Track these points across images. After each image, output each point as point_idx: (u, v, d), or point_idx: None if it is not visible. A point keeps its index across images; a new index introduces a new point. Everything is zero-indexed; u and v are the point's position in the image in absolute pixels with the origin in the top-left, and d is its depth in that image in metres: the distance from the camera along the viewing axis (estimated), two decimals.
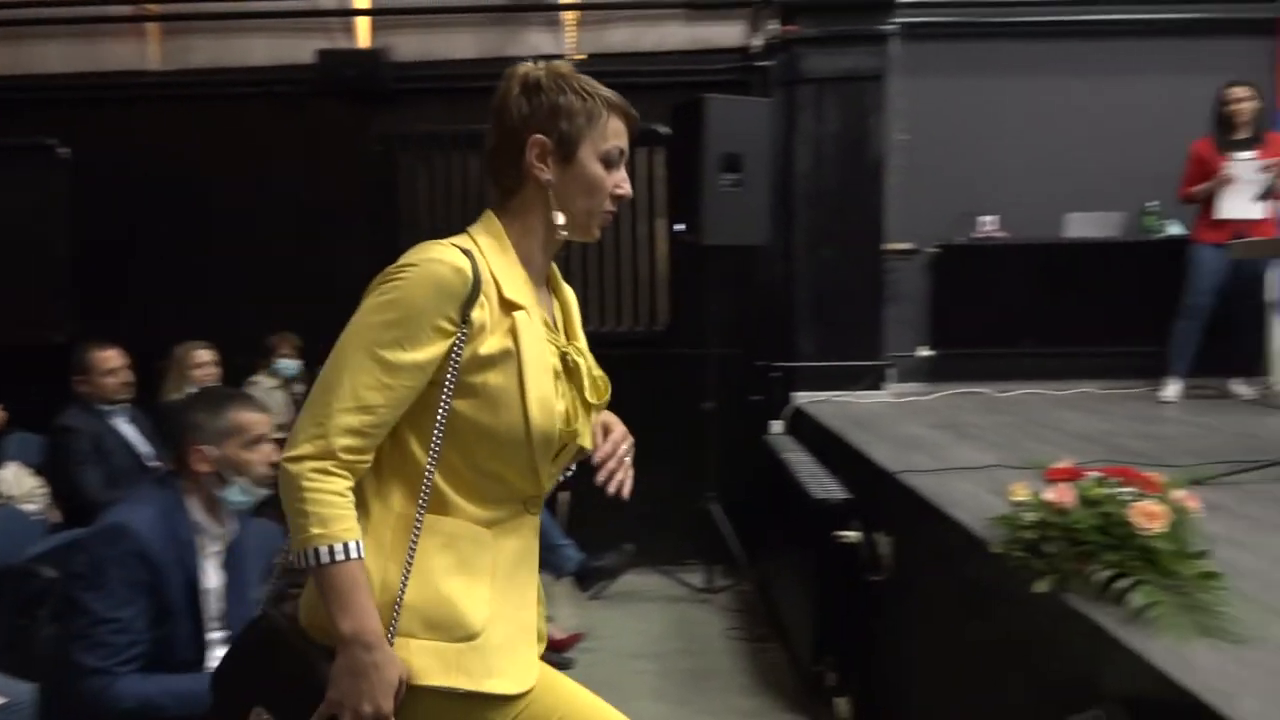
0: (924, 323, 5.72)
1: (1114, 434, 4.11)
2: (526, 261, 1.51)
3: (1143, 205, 5.69)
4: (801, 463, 4.21)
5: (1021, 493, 2.19)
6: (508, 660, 1.46)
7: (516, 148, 1.47)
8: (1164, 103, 5.55)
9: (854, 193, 5.35)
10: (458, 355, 1.39)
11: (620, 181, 1.52)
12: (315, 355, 4.61)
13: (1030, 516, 2.11)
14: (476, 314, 1.40)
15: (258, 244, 5.58)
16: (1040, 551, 2.07)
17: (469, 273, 1.40)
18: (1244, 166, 4.97)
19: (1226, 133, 5.13)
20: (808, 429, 4.88)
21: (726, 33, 5.51)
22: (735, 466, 4.99)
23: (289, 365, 5.08)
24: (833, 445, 4.25)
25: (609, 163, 1.50)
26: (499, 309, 1.44)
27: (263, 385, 4.99)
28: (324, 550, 1.32)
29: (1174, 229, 5.61)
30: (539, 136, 1.45)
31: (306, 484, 1.33)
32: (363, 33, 5.57)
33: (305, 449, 1.35)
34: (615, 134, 1.50)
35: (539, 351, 1.47)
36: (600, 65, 5.43)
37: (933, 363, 5.69)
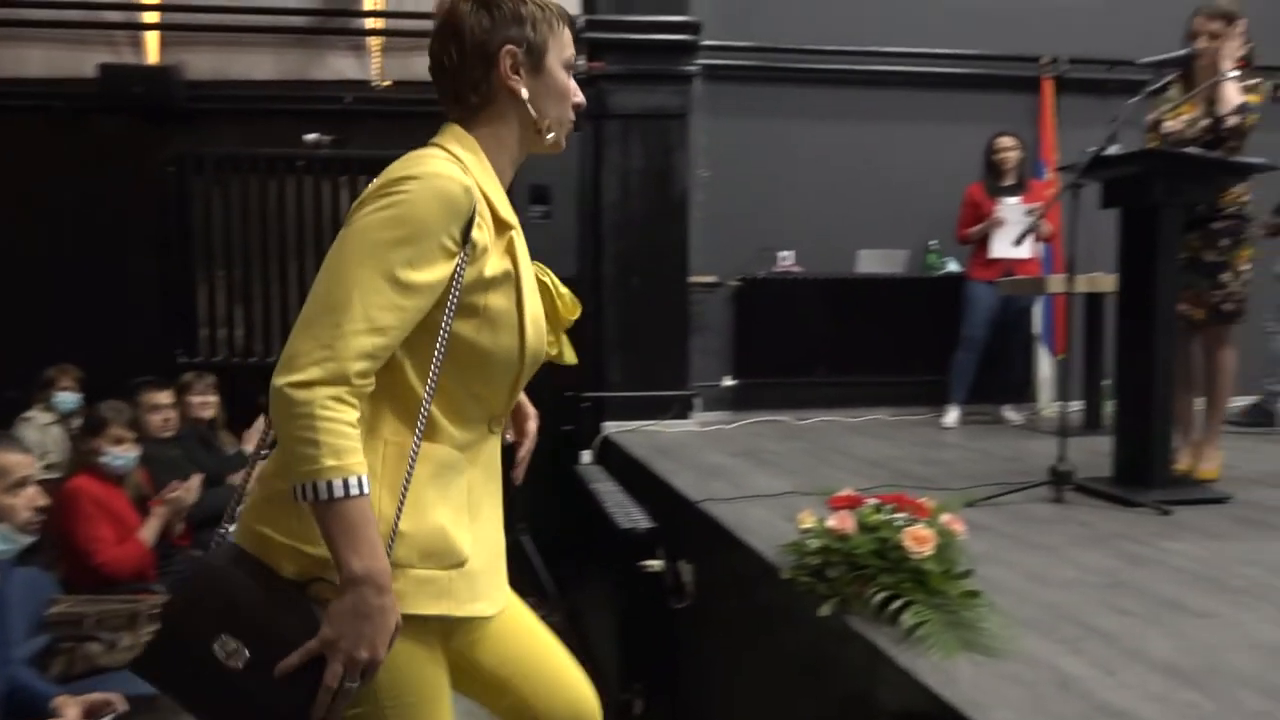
0: (728, 353, 5.92)
1: (899, 459, 4.37)
2: (501, 177, 1.47)
3: (925, 244, 6.11)
4: (609, 492, 4.26)
5: (808, 520, 2.31)
6: (487, 583, 1.45)
7: (485, 62, 1.42)
8: (942, 149, 5.99)
9: (660, 226, 5.50)
10: (459, 277, 1.33)
11: (576, 90, 1.52)
12: (97, 388, 4.34)
13: (815, 543, 2.23)
14: (477, 234, 1.35)
15: (34, 269, 5.19)
16: (824, 576, 2.19)
17: (474, 191, 1.34)
18: (1012, 210, 5.42)
19: (995, 179, 5.59)
20: (616, 459, 4.95)
21: None
22: (545, 497, 4.99)
23: (68, 399, 4.73)
24: (639, 475, 4.33)
25: (569, 70, 1.50)
26: (494, 228, 1.40)
27: (38, 421, 4.62)
28: (338, 484, 1.23)
29: (952, 266, 6.05)
30: (511, 47, 1.42)
31: (321, 411, 1.23)
32: (152, 48, 5.30)
33: (314, 373, 1.24)
34: (569, 42, 1.50)
35: (529, 271, 1.46)
36: (407, 93, 5.38)
37: (735, 392, 5.90)
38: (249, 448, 4.27)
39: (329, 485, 1.23)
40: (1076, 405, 5.54)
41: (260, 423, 4.42)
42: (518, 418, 1.69)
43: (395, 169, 1.33)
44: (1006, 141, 5.60)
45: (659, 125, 5.47)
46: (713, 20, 5.62)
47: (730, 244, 5.75)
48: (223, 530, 1.41)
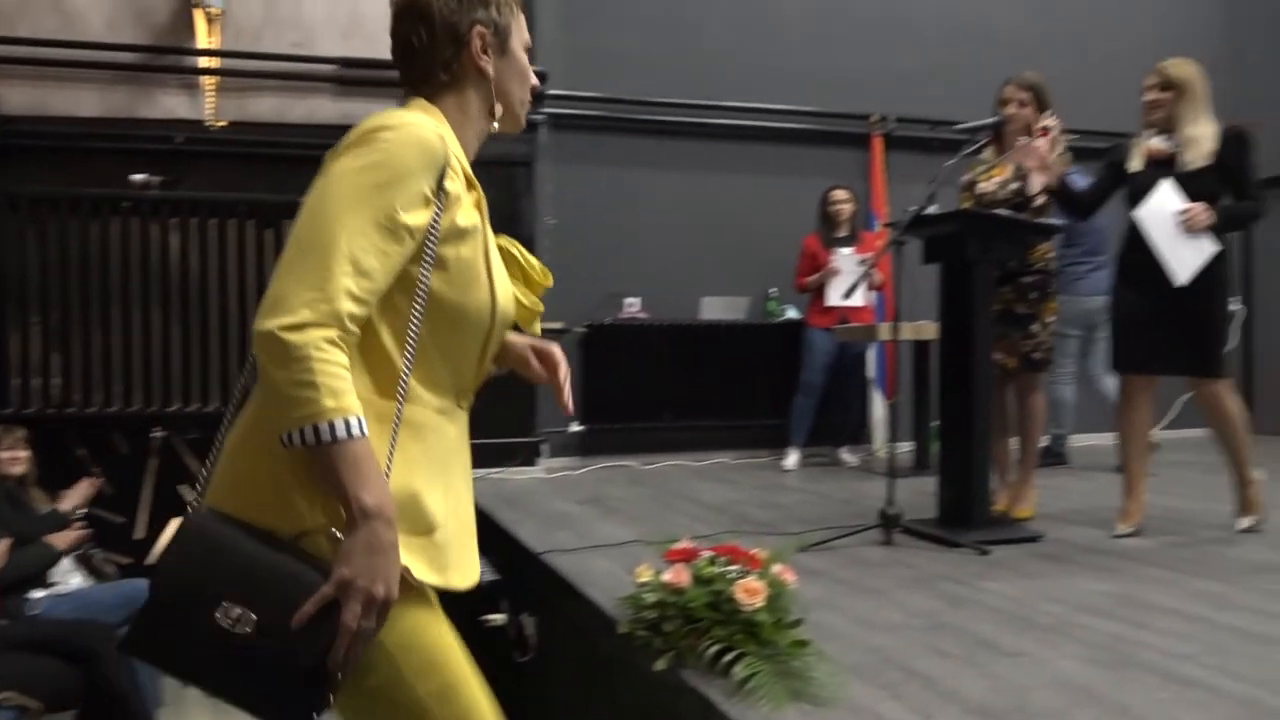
0: (575, 399, 5.88)
1: (741, 503, 4.47)
2: (466, 150, 1.49)
3: (766, 291, 6.31)
4: None
5: (645, 574, 2.33)
6: (458, 555, 1.41)
7: (455, 42, 1.45)
8: (781, 200, 6.22)
9: None
10: (435, 227, 1.33)
11: (532, 74, 1.57)
12: None
13: (651, 596, 2.26)
14: (450, 184, 1.36)
15: None
16: (660, 630, 2.21)
17: (446, 141, 1.36)
18: (846, 260, 5.66)
19: (830, 230, 5.83)
20: None
21: (378, 110, 5.49)
22: None
23: None
24: (484, 525, 4.26)
25: (527, 53, 1.55)
26: (464, 182, 1.41)
27: None
28: (339, 424, 1.20)
29: (791, 313, 6.26)
30: (481, 28, 1.46)
31: (317, 353, 1.20)
32: None
33: (305, 315, 1.21)
34: (525, 27, 1.56)
35: (492, 235, 1.47)
36: (243, 134, 5.22)
37: (583, 437, 5.91)
38: (65, 506, 4.01)
39: (331, 426, 1.21)
40: (908, 446, 5.81)
41: (83, 484, 4.17)
42: (540, 353, 1.68)
43: (369, 122, 1.34)
44: (840, 194, 5.86)
45: (505, 172, 5.49)
46: (559, 70, 5.70)
47: (577, 291, 5.79)
48: (194, 501, 1.36)
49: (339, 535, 1.25)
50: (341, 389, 1.22)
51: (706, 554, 2.29)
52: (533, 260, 1.64)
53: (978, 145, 4.08)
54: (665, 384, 6.02)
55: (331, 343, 1.23)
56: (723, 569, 2.22)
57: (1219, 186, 3.53)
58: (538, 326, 1.65)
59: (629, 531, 3.75)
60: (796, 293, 6.01)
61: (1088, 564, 3.21)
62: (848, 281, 5.50)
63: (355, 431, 1.22)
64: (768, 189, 6.31)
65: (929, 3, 6.72)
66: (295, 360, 1.21)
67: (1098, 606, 2.69)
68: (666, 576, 2.24)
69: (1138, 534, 3.62)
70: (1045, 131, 3.73)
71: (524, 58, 1.54)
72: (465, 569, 1.44)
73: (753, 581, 2.13)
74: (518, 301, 1.57)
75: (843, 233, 5.82)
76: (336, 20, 5.40)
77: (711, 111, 6.23)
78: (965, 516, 3.56)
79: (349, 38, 5.37)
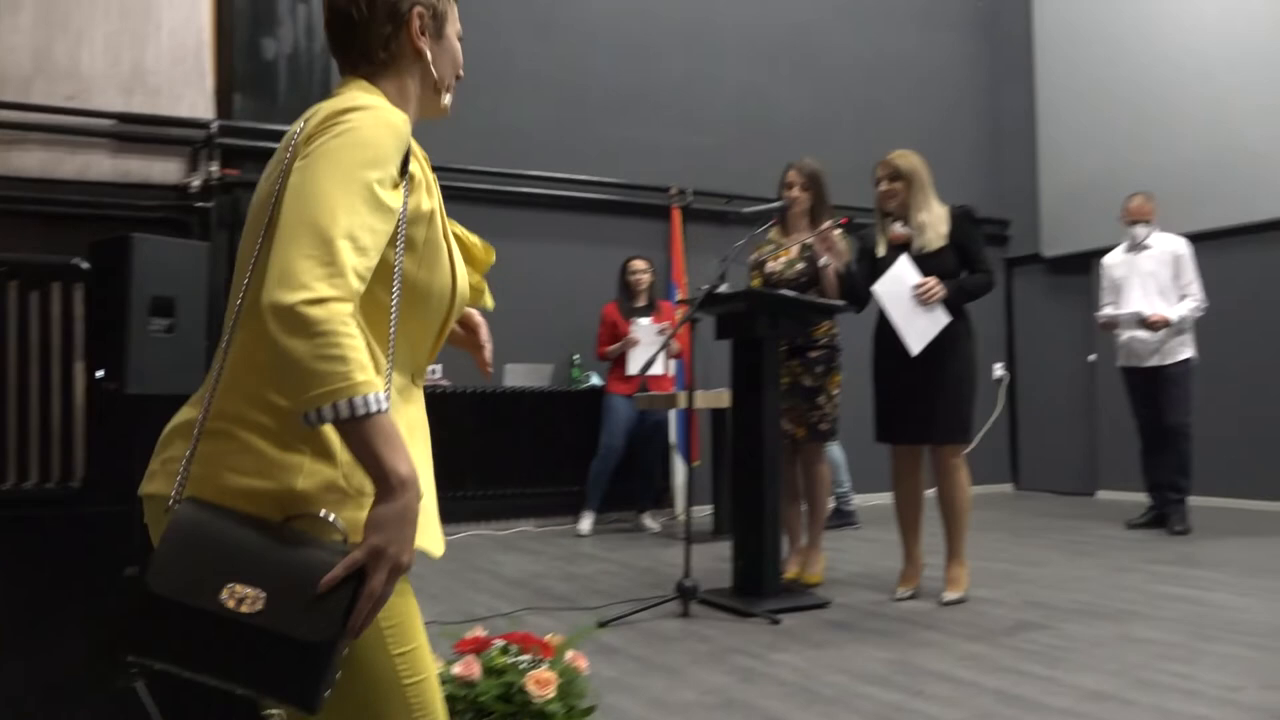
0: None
1: (541, 576, 4.44)
2: None
3: (570, 358, 6.35)
4: None
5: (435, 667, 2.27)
6: (433, 523, 1.37)
7: (394, 21, 1.46)
8: (584, 269, 6.32)
9: None
10: (404, 209, 1.33)
11: (461, 62, 1.59)
12: None
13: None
14: (413, 166, 1.35)
15: None
16: None
17: (408, 124, 1.36)
18: (644, 330, 5.79)
19: (629, 299, 5.95)
20: None
21: (161, 169, 5.22)
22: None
23: None
24: None
25: (460, 43, 1.57)
26: (420, 164, 1.40)
27: None
28: (372, 398, 1.18)
29: (595, 380, 6.32)
30: (420, 9, 1.48)
31: (342, 329, 1.17)
32: None
33: (324, 289, 1.18)
34: (458, 18, 1.57)
35: (444, 214, 1.45)
36: (7, 189, 4.84)
37: None
38: None
39: (365, 400, 1.18)
40: (708, 509, 5.95)
41: None
42: (462, 321, 1.70)
43: (336, 104, 1.33)
44: (639, 264, 6.01)
45: None
46: None
47: None
48: (173, 498, 1.26)
49: (329, 516, 1.23)
50: (368, 363, 1.22)
51: (498, 644, 2.26)
52: (474, 238, 1.67)
53: (765, 226, 4.27)
54: (468, 452, 5.93)
55: (351, 317, 1.22)
56: (515, 659, 2.19)
57: (957, 265, 3.84)
58: (488, 299, 1.68)
59: (427, 612, 3.59)
60: (598, 361, 6.08)
61: (870, 629, 3.37)
62: (647, 352, 5.62)
63: (385, 405, 1.21)
64: (571, 257, 6.39)
65: (725, 84, 7.05)
66: (322, 334, 1.19)
67: (877, 675, 2.81)
68: (457, 669, 2.19)
69: (915, 596, 3.83)
70: (847, 220, 3.96)
71: (457, 45, 1.59)
72: (439, 537, 1.43)
73: (544, 672, 2.12)
74: None
75: (641, 302, 5.95)
76: (118, 74, 5.11)
77: (515, 180, 6.27)
78: (757, 586, 3.66)
79: (130, 93, 5.09)
